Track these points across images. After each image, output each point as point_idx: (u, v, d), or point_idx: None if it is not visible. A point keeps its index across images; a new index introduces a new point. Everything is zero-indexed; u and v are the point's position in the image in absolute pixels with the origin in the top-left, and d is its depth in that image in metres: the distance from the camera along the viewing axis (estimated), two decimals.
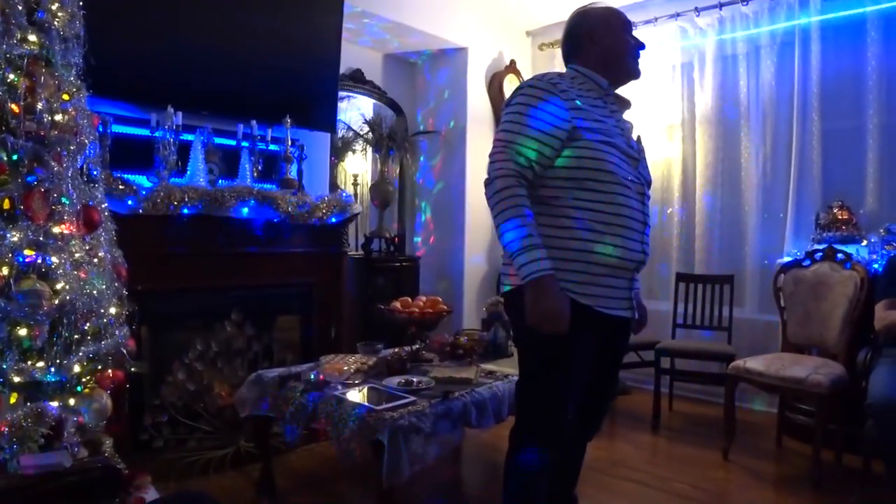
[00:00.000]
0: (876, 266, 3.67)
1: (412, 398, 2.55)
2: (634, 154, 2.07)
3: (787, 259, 4.15)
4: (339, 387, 2.72)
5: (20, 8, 1.96)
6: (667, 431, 4.18)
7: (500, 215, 1.88)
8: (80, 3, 2.21)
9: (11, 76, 1.93)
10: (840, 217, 4.12)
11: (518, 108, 1.93)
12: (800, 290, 3.86)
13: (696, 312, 4.68)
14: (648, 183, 2.12)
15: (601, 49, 2.09)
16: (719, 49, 4.95)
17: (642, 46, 2.17)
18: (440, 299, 3.54)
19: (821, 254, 3.86)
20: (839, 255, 3.78)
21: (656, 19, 5.13)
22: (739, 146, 4.84)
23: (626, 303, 2.03)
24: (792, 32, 4.57)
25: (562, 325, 1.83)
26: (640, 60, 2.17)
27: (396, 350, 3.24)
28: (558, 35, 5.68)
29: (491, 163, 1.95)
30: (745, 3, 4.72)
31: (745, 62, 4.83)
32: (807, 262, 3.89)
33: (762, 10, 4.70)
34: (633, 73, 2.15)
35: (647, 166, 2.17)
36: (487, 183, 1.95)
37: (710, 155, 4.97)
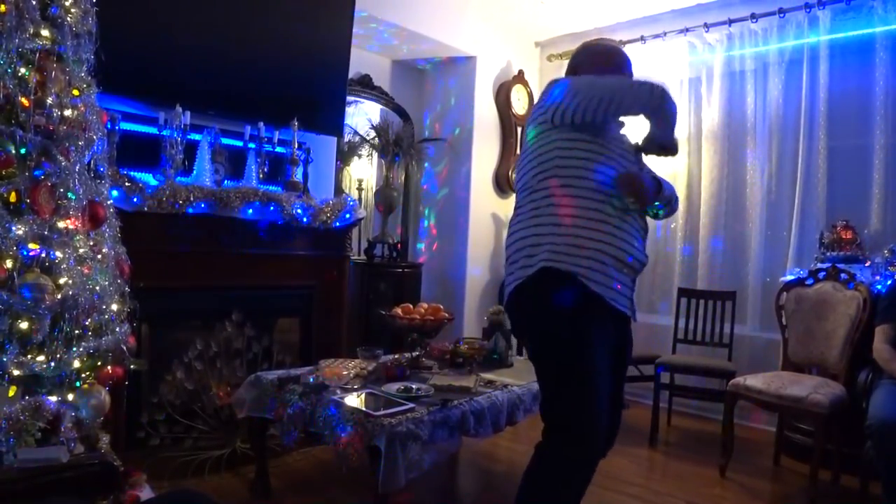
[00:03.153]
0: (879, 287, 3.66)
1: (411, 405, 2.55)
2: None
3: (789, 277, 4.14)
4: (338, 391, 2.72)
5: (34, 3, 1.97)
6: (664, 446, 4.17)
7: None
8: (93, 0, 2.22)
9: (23, 70, 1.93)
10: (844, 237, 4.11)
11: None
12: (802, 308, 3.85)
13: (697, 328, 4.67)
14: None
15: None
16: (727, 65, 4.96)
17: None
18: (441, 307, 3.53)
19: (824, 273, 3.86)
20: (842, 275, 3.77)
21: (665, 34, 5.15)
22: (745, 162, 4.85)
23: (629, 302, 2.13)
24: (801, 50, 4.58)
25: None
26: None
27: (396, 356, 3.24)
28: (567, 46, 5.78)
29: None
30: (754, 21, 4.73)
31: (752, 79, 4.84)
32: (810, 281, 3.88)
33: (771, 28, 4.71)
34: None
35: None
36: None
37: (716, 170, 4.97)
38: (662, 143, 2.21)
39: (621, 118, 2.24)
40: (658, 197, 2.17)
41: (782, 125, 4.68)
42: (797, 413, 3.46)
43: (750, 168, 4.82)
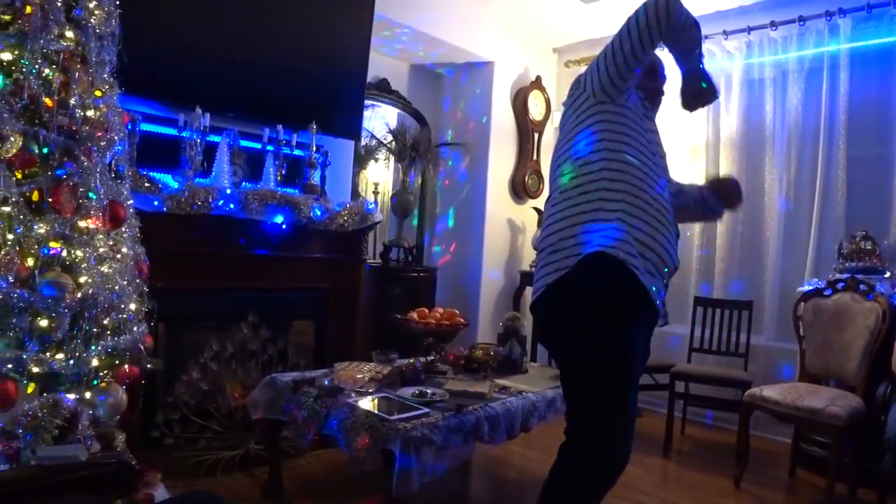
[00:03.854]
0: None
1: (425, 410, 2.54)
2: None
3: (807, 287, 4.11)
4: (353, 394, 2.72)
5: (59, 4, 1.99)
6: (678, 456, 4.14)
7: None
8: (117, 2, 2.24)
9: (47, 71, 1.95)
10: (863, 247, 4.07)
11: None
12: (820, 319, 3.81)
13: (713, 337, 4.63)
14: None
15: None
16: (746, 73, 4.94)
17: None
18: (457, 312, 3.53)
19: (843, 283, 3.82)
20: (861, 286, 3.74)
21: None
22: (763, 171, 4.82)
23: (658, 303, 2.04)
24: (821, 59, 4.55)
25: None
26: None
27: (411, 360, 3.23)
28: (584, 53, 5.77)
29: None
30: (773, 28, 4.70)
31: (771, 87, 4.81)
32: (828, 292, 3.85)
33: (791, 36, 4.68)
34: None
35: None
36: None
37: None
38: (691, 74, 2.17)
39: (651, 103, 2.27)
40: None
41: (801, 134, 4.65)
42: (814, 425, 3.42)
43: (768, 177, 4.78)
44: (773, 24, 4.69)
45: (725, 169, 4.96)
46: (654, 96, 2.30)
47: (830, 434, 3.28)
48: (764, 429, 4.47)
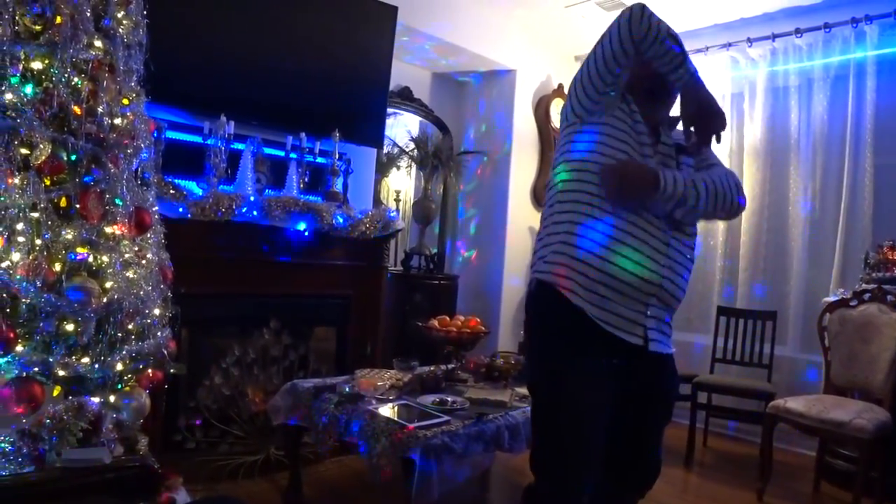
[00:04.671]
0: None
1: (446, 418, 2.54)
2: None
3: (833, 298, 4.05)
4: (373, 401, 2.73)
5: (88, 15, 2.03)
6: (700, 468, 4.10)
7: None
8: (144, 12, 2.28)
9: (76, 79, 1.99)
10: (890, 257, 4.01)
11: None
12: (846, 330, 3.76)
13: (737, 348, 4.58)
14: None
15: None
16: (770, 80, 4.90)
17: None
18: (478, 320, 3.52)
19: (869, 294, 3.76)
20: (889, 297, 3.67)
21: (707, 48, 5.10)
22: (788, 180, 4.77)
23: (635, 326, 1.77)
24: (847, 66, 4.50)
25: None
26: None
27: (432, 368, 3.24)
28: None
29: None
30: (798, 36, 4.66)
31: (796, 94, 4.77)
32: (854, 302, 3.79)
33: (816, 43, 4.63)
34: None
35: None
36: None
37: (758, 187, 4.90)
38: (687, 98, 1.81)
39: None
40: (657, 195, 1.72)
41: (827, 142, 4.60)
42: (839, 438, 3.37)
43: (793, 185, 4.73)
44: (799, 32, 4.65)
45: (750, 178, 4.91)
46: (652, 86, 1.90)
47: (857, 447, 3.23)
48: (788, 441, 4.40)
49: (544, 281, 1.83)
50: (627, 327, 1.76)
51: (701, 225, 5.06)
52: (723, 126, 1.84)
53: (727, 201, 1.83)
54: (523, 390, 3.14)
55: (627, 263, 1.72)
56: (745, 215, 4.89)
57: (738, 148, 5.05)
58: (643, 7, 1.76)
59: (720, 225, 5.05)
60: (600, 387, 1.78)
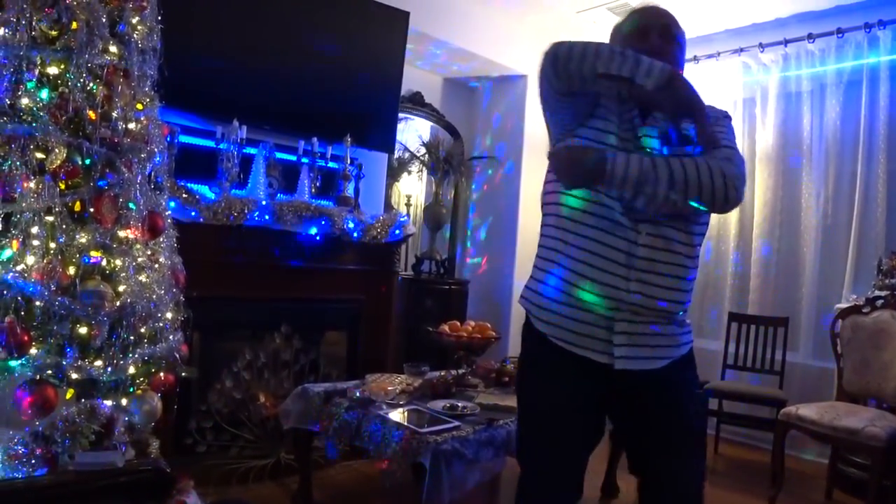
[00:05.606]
0: None
1: (456, 423, 2.54)
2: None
3: (845, 304, 4.02)
4: (384, 406, 2.73)
5: (104, 20, 2.04)
6: (711, 475, 4.06)
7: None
8: (159, 18, 2.29)
9: (91, 84, 2.01)
10: None
11: None
12: (858, 337, 3.73)
13: (748, 354, 4.56)
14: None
15: None
16: (783, 86, 4.87)
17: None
18: (489, 325, 3.52)
19: (882, 300, 3.73)
20: None
21: (719, 54, 5.09)
22: (800, 185, 4.74)
23: (602, 345, 1.64)
24: (860, 71, 4.47)
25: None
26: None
27: (442, 373, 3.23)
28: None
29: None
30: (811, 41, 4.64)
31: (809, 100, 4.74)
32: (867, 309, 3.76)
33: (829, 49, 4.61)
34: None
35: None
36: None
37: (769, 193, 4.87)
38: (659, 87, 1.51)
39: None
40: (605, 177, 1.55)
41: (839, 148, 4.57)
42: (852, 446, 3.34)
43: (805, 191, 4.71)
44: (811, 37, 4.63)
45: (762, 184, 4.89)
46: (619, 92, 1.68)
47: (870, 455, 3.20)
48: (800, 448, 4.38)
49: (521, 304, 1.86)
50: (593, 345, 1.65)
51: (712, 231, 5.05)
52: (705, 122, 1.60)
53: (708, 189, 1.55)
54: None
55: (587, 296, 1.63)
56: (756, 221, 4.88)
57: (749, 154, 5.01)
58: (549, 56, 1.64)
59: (731, 230, 5.03)
60: (572, 411, 1.72)
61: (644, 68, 1.51)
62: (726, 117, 1.79)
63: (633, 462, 1.82)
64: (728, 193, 1.57)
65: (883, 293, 3.80)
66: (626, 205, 1.62)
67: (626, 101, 1.69)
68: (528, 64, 5.55)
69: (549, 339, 1.71)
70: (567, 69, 1.58)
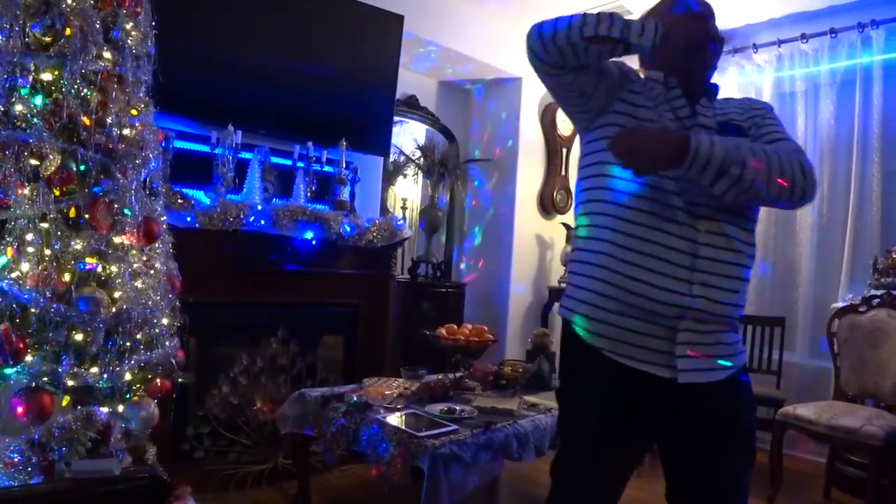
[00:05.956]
0: None
1: (454, 426, 2.54)
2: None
3: (842, 304, 4.03)
4: (381, 410, 2.72)
5: (98, 26, 2.04)
6: None
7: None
8: (153, 23, 2.29)
9: (85, 90, 2.00)
10: None
11: None
12: (855, 336, 3.74)
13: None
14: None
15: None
16: (777, 86, 4.88)
17: (691, 9, 1.60)
18: (486, 328, 3.52)
19: (879, 299, 3.74)
20: None
21: None
22: None
23: (663, 357, 1.52)
24: (853, 71, 4.48)
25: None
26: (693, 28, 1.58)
27: (440, 377, 3.23)
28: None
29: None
30: (804, 41, 4.65)
31: (803, 100, 4.75)
32: (863, 308, 3.77)
33: (822, 49, 4.62)
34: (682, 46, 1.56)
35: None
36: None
37: None
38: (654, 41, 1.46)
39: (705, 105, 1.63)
40: (686, 161, 1.42)
41: (834, 147, 4.58)
42: (850, 445, 3.35)
43: None
44: (805, 37, 4.64)
45: None
46: (675, 48, 1.55)
47: (867, 454, 3.21)
48: (798, 448, 4.38)
49: (561, 316, 1.69)
50: (653, 358, 1.52)
51: None
52: (716, 52, 1.61)
53: (789, 177, 1.45)
54: (531, 398, 3.14)
55: (645, 302, 1.49)
56: None
57: None
58: (534, 30, 1.58)
59: None
60: (623, 434, 1.59)
61: (636, 28, 1.45)
62: (770, 109, 1.68)
63: (674, 487, 1.66)
64: (807, 187, 1.49)
65: (879, 292, 3.81)
66: (687, 197, 1.50)
67: (673, 87, 1.61)
68: (522, 66, 5.55)
69: (600, 351, 1.55)
70: (555, 41, 1.51)
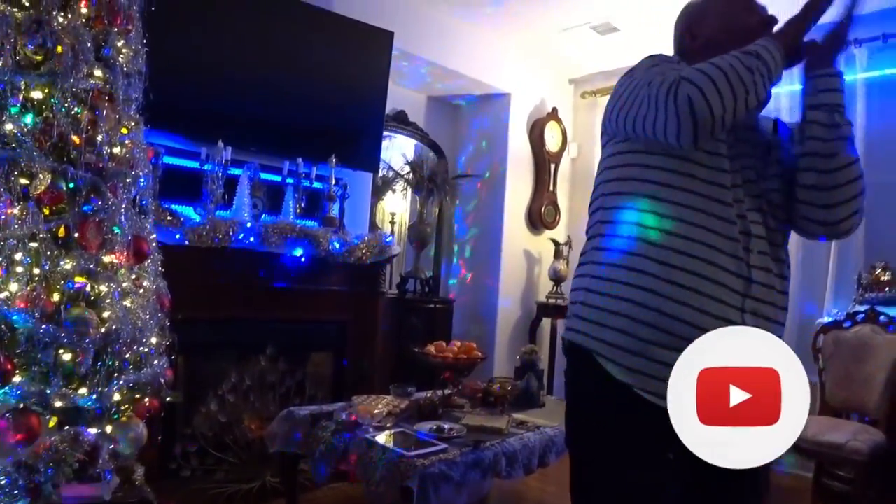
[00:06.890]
0: None
1: (443, 445, 2.53)
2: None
3: (826, 319, 4.06)
4: (371, 429, 2.71)
5: (89, 45, 2.04)
6: None
7: None
8: (144, 41, 2.29)
9: (76, 109, 2.00)
10: (882, 278, 4.04)
11: None
12: (840, 351, 3.77)
13: None
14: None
15: (702, 41, 1.56)
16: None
17: (770, 22, 1.55)
18: (475, 345, 3.52)
19: (863, 315, 3.78)
20: (882, 318, 3.69)
21: None
22: None
23: None
24: None
25: None
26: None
27: (429, 394, 3.22)
28: (601, 84, 5.80)
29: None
30: None
31: (787, 117, 4.77)
32: (848, 324, 3.80)
33: None
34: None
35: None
36: None
37: None
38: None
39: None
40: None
41: None
42: (835, 460, 3.37)
43: None
44: None
45: None
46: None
47: (853, 469, 3.24)
48: (783, 463, 4.39)
49: (575, 343, 1.44)
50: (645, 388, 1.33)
51: None
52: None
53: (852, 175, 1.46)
54: (520, 416, 3.14)
55: (688, 330, 1.28)
56: None
57: None
58: (703, 112, 1.30)
59: None
60: (658, 489, 1.36)
61: (772, 65, 1.41)
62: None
63: None
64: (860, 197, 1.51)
65: (863, 308, 3.84)
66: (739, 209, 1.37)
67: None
68: (510, 82, 5.59)
69: (630, 389, 1.33)
70: (735, 115, 1.34)
